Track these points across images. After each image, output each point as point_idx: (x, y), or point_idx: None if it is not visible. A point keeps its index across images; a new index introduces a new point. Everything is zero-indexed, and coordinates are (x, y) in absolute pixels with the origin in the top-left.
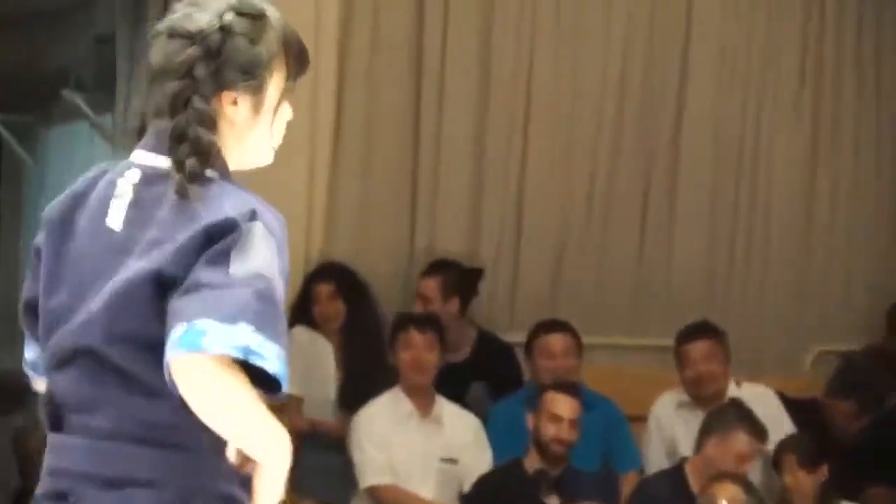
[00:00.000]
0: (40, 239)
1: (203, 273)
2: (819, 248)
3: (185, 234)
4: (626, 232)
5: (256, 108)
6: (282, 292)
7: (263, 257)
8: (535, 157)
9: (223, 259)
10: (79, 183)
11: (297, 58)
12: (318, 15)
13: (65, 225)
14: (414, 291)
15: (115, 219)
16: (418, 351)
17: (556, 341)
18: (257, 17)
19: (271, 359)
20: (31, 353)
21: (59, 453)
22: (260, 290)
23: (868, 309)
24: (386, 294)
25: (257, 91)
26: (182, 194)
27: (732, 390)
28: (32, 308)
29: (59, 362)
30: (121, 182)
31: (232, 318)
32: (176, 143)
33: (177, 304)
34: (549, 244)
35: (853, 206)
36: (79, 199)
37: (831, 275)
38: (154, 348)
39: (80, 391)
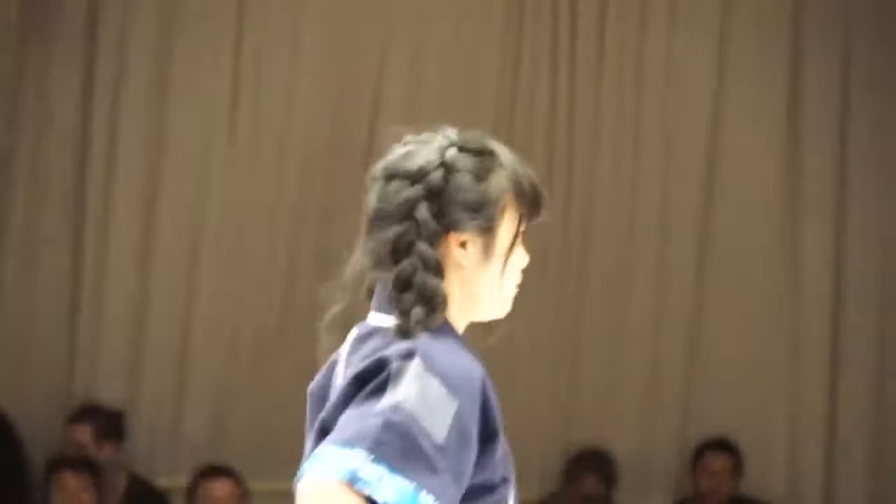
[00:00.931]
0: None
1: (347, 411)
2: None
3: (342, 384)
4: (296, 375)
5: (487, 251)
6: (434, 433)
7: (409, 391)
8: (203, 298)
9: (368, 398)
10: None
11: (530, 197)
12: None
13: (324, 396)
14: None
15: (339, 380)
16: (73, 494)
17: (218, 487)
18: (482, 153)
19: (386, 490)
20: None
21: None
22: (391, 421)
23: (543, 457)
24: (43, 438)
25: (487, 232)
26: (405, 335)
27: None
28: None
29: None
30: (345, 344)
31: (350, 443)
32: (400, 291)
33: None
34: (213, 386)
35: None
36: (333, 365)
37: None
38: None
39: None
